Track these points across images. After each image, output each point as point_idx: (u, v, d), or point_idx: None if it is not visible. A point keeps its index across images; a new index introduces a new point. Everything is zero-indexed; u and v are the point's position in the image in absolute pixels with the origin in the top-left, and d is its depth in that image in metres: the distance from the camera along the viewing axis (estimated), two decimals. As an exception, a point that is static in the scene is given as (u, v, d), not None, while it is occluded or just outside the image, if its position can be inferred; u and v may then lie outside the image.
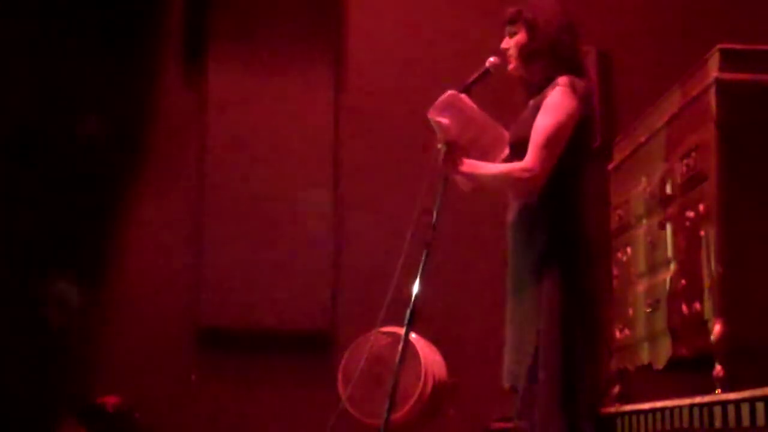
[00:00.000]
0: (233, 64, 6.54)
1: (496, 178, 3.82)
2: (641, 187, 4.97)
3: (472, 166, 3.79)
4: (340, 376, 5.48)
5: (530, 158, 3.69)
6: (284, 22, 6.57)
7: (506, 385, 3.79)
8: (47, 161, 6.30)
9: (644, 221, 4.95)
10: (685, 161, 4.45)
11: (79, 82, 6.37)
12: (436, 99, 3.86)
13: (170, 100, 6.61)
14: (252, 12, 6.57)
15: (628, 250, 5.15)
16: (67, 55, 6.35)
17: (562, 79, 3.74)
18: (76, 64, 6.36)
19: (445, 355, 5.66)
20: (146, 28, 6.63)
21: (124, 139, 6.50)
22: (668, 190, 4.65)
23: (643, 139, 4.99)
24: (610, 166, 5.45)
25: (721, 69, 4.20)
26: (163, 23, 6.66)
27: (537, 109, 3.76)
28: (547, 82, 3.79)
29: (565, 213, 3.76)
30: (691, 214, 4.38)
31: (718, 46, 4.23)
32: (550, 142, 3.68)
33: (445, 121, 3.78)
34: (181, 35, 6.67)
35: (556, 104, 3.71)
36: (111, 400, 5.96)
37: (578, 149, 3.76)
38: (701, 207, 4.28)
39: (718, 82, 4.18)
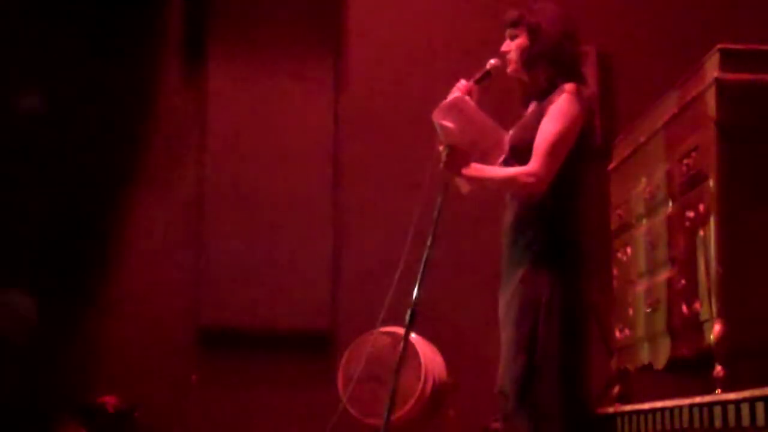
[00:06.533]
0: (233, 64, 6.55)
1: (499, 181, 3.82)
2: (641, 187, 4.96)
3: (475, 169, 3.79)
4: (340, 376, 5.48)
5: (535, 163, 3.70)
6: (284, 23, 6.57)
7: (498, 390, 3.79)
8: (47, 161, 6.30)
9: (644, 221, 4.94)
10: (685, 161, 4.44)
11: (79, 82, 6.37)
12: (435, 99, 3.86)
13: (170, 100, 6.61)
14: (252, 12, 6.57)
15: (628, 250, 5.14)
16: (67, 55, 6.35)
17: (570, 86, 3.75)
18: (76, 64, 6.36)
19: (445, 355, 5.66)
20: (146, 28, 6.63)
21: (123, 139, 6.50)
22: (668, 190, 4.64)
23: (643, 139, 4.98)
24: (610, 167, 5.44)
25: (721, 69, 4.18)
26: (163, 23, 6.66)
27: (542, 113, 3.76)
28: (549, 86, 3.80)
29: (562, 216, 3.78)
30: (691, 214, 4.37)
31: (718, 46, 4.22)
32: (555, 149, 3.70)
33: (449, 124, 3.78)
34: (181, 35, 6.67)
35: (562, 111, 3.72)
36: (111, 400, 5.96)
37: (578, 155, 3.77)
38: (701, 207, 4.27)
39: (718, 82, 4.17)
